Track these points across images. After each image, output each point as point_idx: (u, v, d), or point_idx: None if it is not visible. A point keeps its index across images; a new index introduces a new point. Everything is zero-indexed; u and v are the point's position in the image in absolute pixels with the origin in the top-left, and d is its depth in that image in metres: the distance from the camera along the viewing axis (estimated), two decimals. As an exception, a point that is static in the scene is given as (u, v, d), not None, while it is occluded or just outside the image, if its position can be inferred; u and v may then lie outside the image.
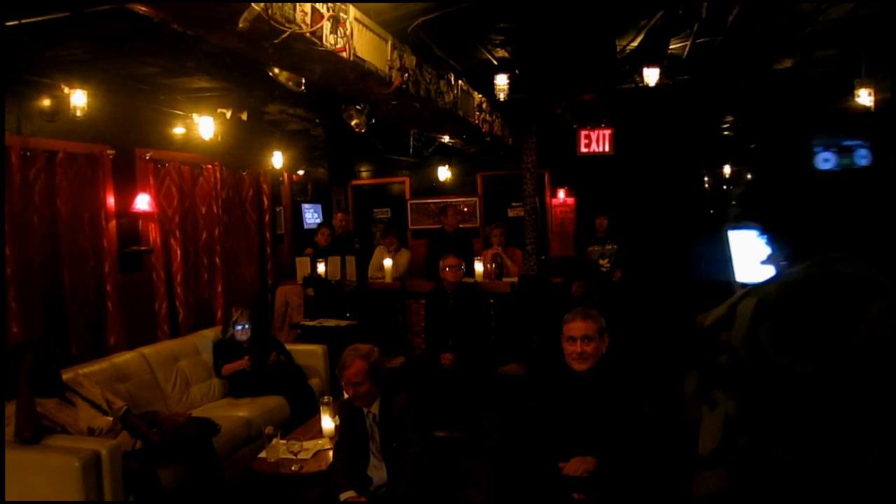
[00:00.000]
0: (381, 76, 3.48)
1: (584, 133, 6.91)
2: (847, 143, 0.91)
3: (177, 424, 3.85)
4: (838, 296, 0.90)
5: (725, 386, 0.91)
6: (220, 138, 5.51)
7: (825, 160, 0.94)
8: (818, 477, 0.88)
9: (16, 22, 2.91)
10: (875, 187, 0.97)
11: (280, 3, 2.42)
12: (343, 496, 2.90)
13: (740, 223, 1.15)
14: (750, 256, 1.20)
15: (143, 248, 5.10)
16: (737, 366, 0.90)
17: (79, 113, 4.16)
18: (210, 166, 5.79)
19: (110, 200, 4.77)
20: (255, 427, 4.30)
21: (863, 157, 0.92)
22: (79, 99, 4.15)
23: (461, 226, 8.40)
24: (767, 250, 1.08)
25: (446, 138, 6.24)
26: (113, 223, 4.81)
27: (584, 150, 6.96)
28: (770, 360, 0.87)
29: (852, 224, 0.96)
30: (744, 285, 1.17)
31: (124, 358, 4.41)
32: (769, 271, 1.07)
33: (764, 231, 1.05)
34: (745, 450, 0.90)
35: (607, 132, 6.88)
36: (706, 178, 13.35)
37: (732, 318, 0.95)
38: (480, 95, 5.57)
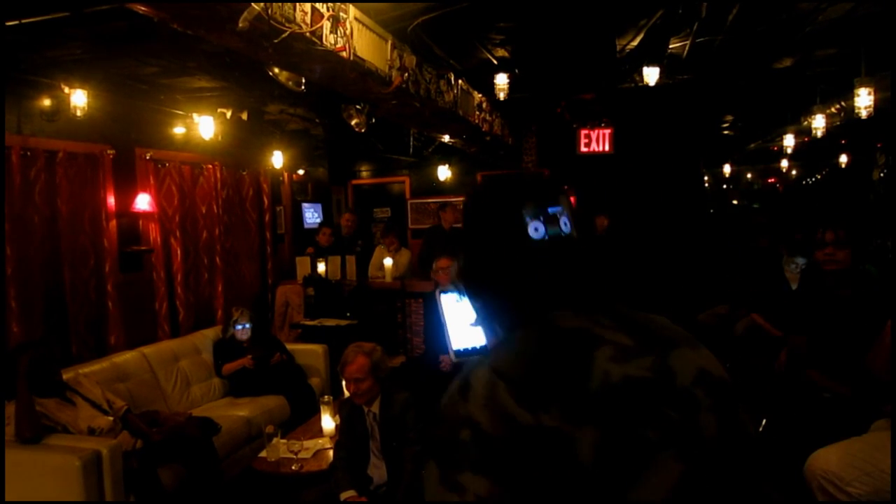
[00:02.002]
0: (380, 76, 3.48)
1: (584, 132, 6.91)
2: (552, 210, 0.90)
3: (177, 424, 3.85)
4: (564, 349, 0.86)
5: (472, 465, 0.80)
6: (220, 138, 5.52)
7: (535, 230, 0.94)
8: None
9: (16, 22, 2.91)
10: (582, 251, 1.01)
11: (280, 3, 2.42)
12: (343, 495, 2.90)
13: (452, 289, 1.12)
14: (459, 320, 1.23)
15: (143, 247, 5.11)
16: (481, 438, 0.81)
17: (79, 113, 4.17)
18: (210, 166, 5.80)
19: (111, 200, 4.78)
20: (255, 426, 4.31)
21: (566, 225, 0.91)
22: (79, 99, 4.15)
23: (460, 225, 8.41)
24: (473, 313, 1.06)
25: (446, 138, 6.24)
26: (113, 223, 4.81)
27: (584, 149, 6.96)
28: (514, 421, 0.80)
29: (565, 285, 0.97)
30: (458, 352, 1.18)
31: (125, 357, 4.41)
32: (480, 335, 1.05)
33: (476, 297, 1.03)
34: None
35: (607, 132, 6.89)
36: (706, 178, 13.37)
37: (467, 388, 0.87)
38: (480, 95, 5.58)
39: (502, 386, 0.83)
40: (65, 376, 3.61)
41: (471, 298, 1.04)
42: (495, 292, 1.00)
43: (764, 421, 3.99)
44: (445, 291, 1.22)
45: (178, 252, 5.39)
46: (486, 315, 1.02)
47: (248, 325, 5.01)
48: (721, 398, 0.87)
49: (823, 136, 6.42)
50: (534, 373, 0.84)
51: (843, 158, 11.06)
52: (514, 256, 0.98)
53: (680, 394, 0.84)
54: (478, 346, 1.13)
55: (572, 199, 9.48)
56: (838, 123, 6.31)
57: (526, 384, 0.83)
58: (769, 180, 19.03)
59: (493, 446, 0.80)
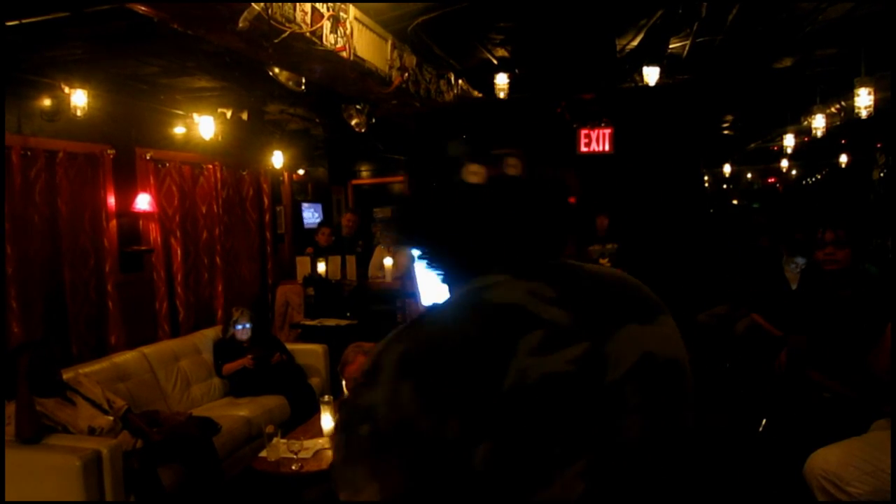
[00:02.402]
0: (380, 76, 3.48)
1: (584, 132, 6.91)
2: (498, 151, 0.75)
3: (177, 424, 3.85)
4: (488, 333, 0.75)
5: (367, 465, 0.73)
6: (220, 138, 5.52)
7: (473, 173, 0.78)
8: None
9: (16, 22, 2.91)
10: (531, 196, 0.86)
11: (280, 3, 2.43)
12: (343, 495, 2.89)
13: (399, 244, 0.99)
14: (431, 282, 1.04)
15: (143, 247, 5.11)
16: (378, 439, 0.73)
17: (79, 113, 4.17)
18: (210, 166, 5.80)
19: (111, 200, 4.78)
20: (255, 426, 4.31)
21: (513, 167, 0.76)
22: (79, 99, 4.15)
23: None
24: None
25: (446, 138, 6.23)
26: (113, 223, 4.81)
27: (584, 149, 6.96)
28: (412, 427, 0.71)
29: (504, 241, 0.83)
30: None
31: (125, 357, 4.41)
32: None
33: (420, 251, 0.90)
34: None
35: (607, 131, 6.89)
36: (706, 178, 13.37)
37: (377, 372, 0.76)
38: (480, 95, 5.58)
39: (408, 386, 0.73)
40: (65, 376, 3.61)
41: (418, 254, 0.92)
42: (430, 246, 0.88)
43: (764, 421, 3.99)
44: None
45: (179, 252, 5.40)
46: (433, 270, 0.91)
47: (248, 325, 5.01)
48: (655, 393, 0.78)
49: (823, 136, 6.42)
50: (444, 373, 0.74)
51: (843, 158, 11.06)
52: (446, 202, 0.86)
53: (604, 392, 0.75)
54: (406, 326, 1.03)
55: (572, 199, 9.49)
56: (838, 123, 6.32)
57: (433, 387, 0.73)
58: (769, 180, 19.03)
59: (388, 448, 0.73)
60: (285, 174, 7.26)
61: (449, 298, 0.86)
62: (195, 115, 5.33)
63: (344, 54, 2.98)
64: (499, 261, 0.84)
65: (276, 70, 3.76)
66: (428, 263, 0.90)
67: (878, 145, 9.72)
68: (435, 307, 0.86)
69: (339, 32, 2.91)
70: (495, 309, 0.78)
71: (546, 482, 0.72)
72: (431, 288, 1.08)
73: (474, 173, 0.85)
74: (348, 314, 6.00)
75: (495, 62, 4.83)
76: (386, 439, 0.73)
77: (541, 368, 0.73)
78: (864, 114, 4.88)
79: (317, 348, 5.41)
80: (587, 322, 0.78)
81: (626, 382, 0.77)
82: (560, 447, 0.73)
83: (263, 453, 3.45)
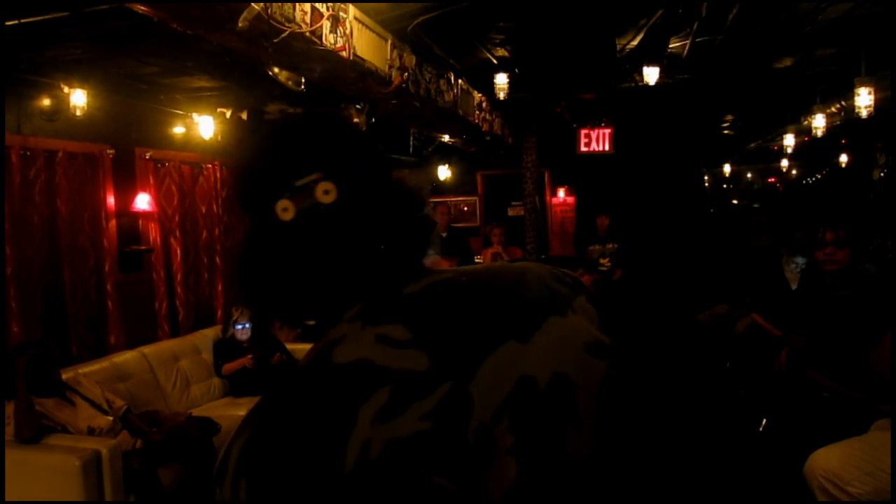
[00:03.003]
0: (380, 75, 3.48)
1: (583, 132, 6.92)
2: (301, 182, 0.67)
3: (177, 424, 3.85)
4: (325, 407, 0.66)
5: None
6: (219, 138, 5.51)
7: (283, 209, 0.70)
8: None
9: (16, 22, 2.91)
10: (355, 219, 0.76)
11: (280, 3, 2.42)
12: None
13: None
14: None
15: (143, 247, 5.10)
16: None
17: (79, 112, 4.16)
18: (210, 165, 5.79)
19: (110, 200, 4.77)
20: (255, 426, 4.30)
21: (326, 193, 0.66)
22: (78, 98, 4.15)
23: (460, 224, 8.41)
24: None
25: (446, 137, 6.24)
26: (113, 222, 4.81)
27: (584, 149, 6.97)
28: None
29: (341, 276, 0.75)
30: None
31: (124, 357, 4.41)
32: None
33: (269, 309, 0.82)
34: None
35: (607, 131, 6.89)
36: (706, 178, 13.37)
37: (223, 476, 0.69)
38: (480, 94, 5.58)
39: (244, 486, 0.66)
40: (64, 376, 3.61)
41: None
42: (260, 293, 0.80)
43: (764, 421, 3.99)
44: None
45: (178, 252, 5.39)
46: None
47: (248, 325, 5.01)
48: (532, 426, 0.67)
49: (823, 136, 6.43)
50: (278, 464, 0.65)
51: (844, 158, 11.06)
52: (264, 248, 0.78)
53: (470, 443, 0.65)
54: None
55: (572, 199, 9.47)
56: (838, 123, 6.31)
57: (268, 483, 0.65)
58: (769, 180, 19.04)
59: None
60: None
61: (300, 365, 0.75)
62: (195, 115, 5.33)
63: (343, 54, 2.98)
64: (343, 304, 0.74)
65: (276, 70, 3.75)
66: (285, 320, 0.81)
67: (879, 145, 9.72)
68: (284, 382, 0.76)
69: (338, 32, 2.91)
70: (337, 372, 0.69)
71: None
72: None
73: (284, 209, 0.76)
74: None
75: (495, 62, 4.83)
76: None
77: (387, 436, 0.63)
78: (864, 114, 4.88)
79: (317, 348, 5.40)
80: (450, 357, 0.68)
81: (497, 423, 0.65)
82: None
83: (263, 453, 3.46)
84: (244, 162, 0.83)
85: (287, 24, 2.48)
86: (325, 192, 0.75)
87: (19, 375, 3.32)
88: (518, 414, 0.66)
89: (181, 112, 5.31)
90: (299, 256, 0.76)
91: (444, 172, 8.93)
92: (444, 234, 6.73)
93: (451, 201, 9.12)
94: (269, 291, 0.79)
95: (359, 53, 3.14)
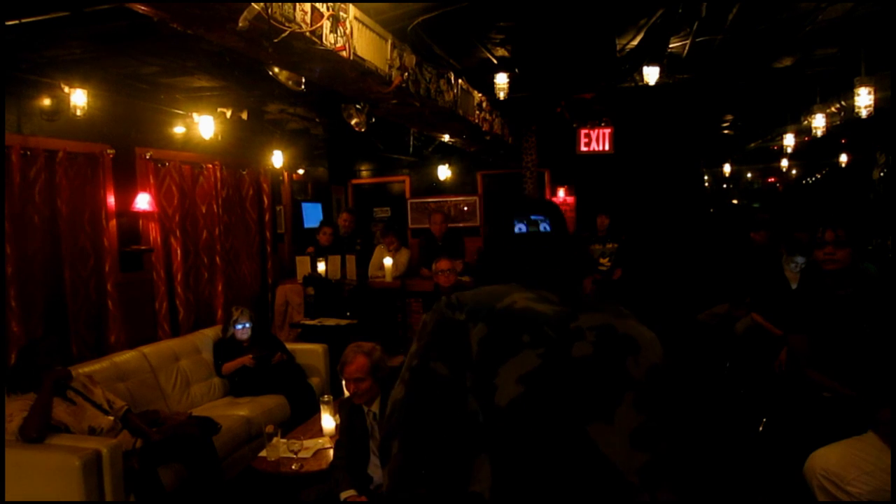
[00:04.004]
0: (380, 75, 3.48)
1: (583, 132, 6.92)
2: (534, 217, 1.12)
3: (177, 423, 3.85)
4: (498, 291, 1.30)
5: (419, 338, 1.27)
6: (220, 137, 5.52)
7: (519, 228, 1.14)
8: None
9: (16, 21, 2.91)
10: (549, 244, 1.40)
11: (280, 3, 2.42)
12: (343, 495, 2.90)
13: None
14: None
15: (143, 247, 5.11)
16: (425, 327, 1.27)
17: (79, 112, 4.17)
18: (210, 165, 5.80)
19: (110, 200, 4.78)
20: (255, 426, 4.31)
21: (544, 227, 1.12)
22: (79, 98, 4.15)
23: (460, 224, 8.41)
24: None
25: (446, 137, 6.24)
26: (113, 222, 4.81)
27: (583, 148, 6.96)
28: (452, 321, 1.23)
29: (526, 263, 1.38)
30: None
31: (125, 357, 4.41)
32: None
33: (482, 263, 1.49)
34: None
35: (607, 131, 6.89)
36: (706, 177, 13.37)
37: (431, 308, 1.32)
38: (480, 94, 5.57)
39: (444, 301, 1.26)
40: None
41: (479, 264, 1.49)
42: (489, 262, 1.44)
43: (764, 420, 3.99)
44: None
45: (178, 251, 5.39)
46: (482, 271, 1.46)
47: (248, 325, 5.01)
48: (607, 343, 1.20)
49: (823, 136, 6.42)
50: (466, 297, 1.25)
51: (843, 158, 11.06)
52: (503, 241, 1.42)
53: (568, 328, 1.20)
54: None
55: (572, 199, 9.46)
56: (838, 123, 6.31)
57: (457, 301, 1.25)
58: (769, 180, 19.04)
59: (430, 331, 1.23)
60: (285, 174, 7.26)
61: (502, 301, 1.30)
62: (195, 115, 5.33)
63: (344, 54, 2.98)
64: (519, 275, 1.35)
65: (276, 69, 3.75)
66: (481, 270, 1.45)
67: (878, 145, 9.72)
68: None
69: (338, 32, 2.91)
70: (508, 289, 1.28)
71: (515, 352, 1.16)
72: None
73: (520, 228, 1.41)
74: (348, 314, 5.99)
75: (495, 62, 4.83)
76: (434, 331, 1.24)
77: (527, 303, 1.24)
78: (864, 113, 4.88)
79: (317, 348, 5.41)
80: (571, 307, 1.25)
81: (588, 329, 1.21)
82: (528, 336, 1.18)
83: (263, 453, 3.46)
84: (510, 203, 1.48)
85: (287, 24, 2.48)
86: (545, 228, 1.41)
87: (49, 379, 3.35)
88: (601, 333, 1.22)
89: (181, 112, 5.32)
90: (514, 247, 1.41)
91: (444, 172, 8.93)
92: (440, 244, 6.74)
93: (450, 201, 9.13)
94: (495, 268, 1.43)
95: (359, 53, 3.14)
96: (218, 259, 5.82)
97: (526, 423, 1.11)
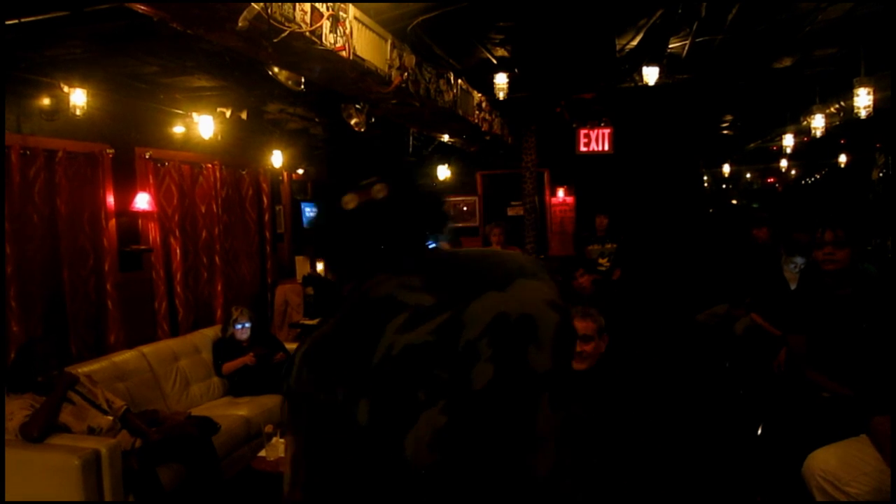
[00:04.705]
0: (380, 75, 3.48)
1: (583, 132, 6.92)
2: (364, 183, 0.96)
3: (177, 423, 3.85)
4: (363, 322, 1.02)
5: (290, 428, 1.04)
6: (219, 137, 5.51)
7: (348, 201, 0.97)
8: None
9: (15, 21, 2.91)
10: (394, 210, 1.13)
11: (279, 3, 2.42)
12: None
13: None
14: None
15: (142, 246, 5.11)
16: (293, 410, 1.02)
17: (78, 112, 4.16)
18: (210, 165, 5.79)
19: (110, 199, 4.77)
20: (254, 426, 4.31)
21: (379, 192, 0.93)
22: (78, 98, 4.15)
23: (460, 224, 8.42)
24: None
25: (446, 137, 6.24)
26: (113, 222, 4.81)
27: (583, 149, 6.97)
28: (314, 399, 0.99)
29: (377, 246, 1.12)
30: None
31: (124, 357, 4.41)
32: None
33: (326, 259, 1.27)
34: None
35: (607, 131, 6.90)
36: (706, 178, 13.37)
37: (290, 368, 1.04)
38: (480, 94, 5.57)
39: (305, 371, 1.01)
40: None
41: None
42: (328, 258, 1.21)
43: (763, 421, 3.99)
44: None
45: (178, 251, 5.39)
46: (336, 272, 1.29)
47: (247, 325, 5.01)
48: (504, 344, 1.00)
49: (823, 136, 6.43)
50: (329, 358, 1.01)
51: (843, 158, 11.07)
52: (331, 223, 1.16)
53: (459, 351, 0.98)
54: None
55: (571, 199, 9.43)
56: (838, 123, 6.32)
57: (323, 369, 1.00)
58: (768, 180, 19.06)
59: (299, 416, 1.02)
60: (284, 173, 7.25)
61: (347, 299, 1.10)
62: (194, 115, 5.33)
63: (343, 54, 2.98)
64: (381, 263, 1.10)
65: (276, 69, 3.75)
66: (335, 270, 1.23)
67: (878, 145, 9.73)
68: (338, 311, 1.09)
69: (338, 32, 2.91)
70: (370, 302, 1.04)
71: (413, 421, 0.95)
72: None
73: (349, 201, 1.12)
74: (348, 314, 5.99)
75: (495, 62, 4.83)
76: (296, 408, 1.01)
77: (404, 341, 0.97)
78: (863, 114, 4.88)
79: (316, 348, 5.40)
80: (449, 299, 1.01)
81: (481, 339, 0.98)
82: (424, 393, 0.95)
83: (263, 453, 3.46)
84: (330, 171, 1.24)
85: (287, 24, 2.48)
86: (379, 191, 1.12)
87: (63, 380, 3.35)
88: (495, 335, 0.99)
89: (181, 112, 5.31)
90: (357, 233, 1.13)
91: (443, 172, 8.93)
92: None
93: (450, 201, 9.13)
94: (332, 254, 1.22)
95: (359, 53, 3.14)
96: (217, 259, 5.82)
97: (452, 486, 0.96)
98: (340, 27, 2.92)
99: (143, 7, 2.28)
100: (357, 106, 4.84)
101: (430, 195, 1.22)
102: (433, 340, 0.97)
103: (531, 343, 1.01)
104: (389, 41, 3.55)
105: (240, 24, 2.29)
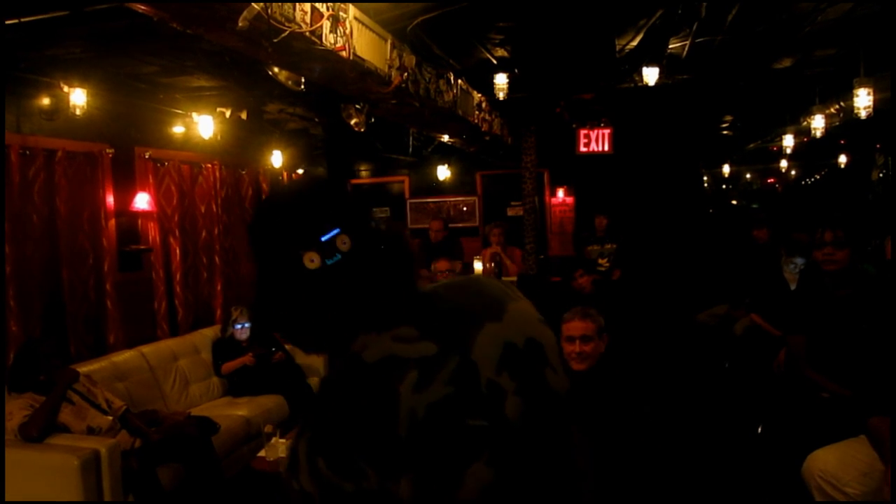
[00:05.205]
0: (380, 75, 3.48)
1: (583, 132, 6.92)
2: (326, 237, 0.78)
3: (176, 423, 3.85)
4: (371, 393, 0.88)
5: None
6: (219, 137, 5.51)
7: (311, 261, 0.81)
8: None
9: (15, 21, 2.91)
10: (367, 265, 0.98)
11: (279, 3, 2.42)
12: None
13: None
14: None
15: (142, 246, 5.10)
16: None
17: (78, 112, 4.16)
18: (209, 165, 5.79)
19: (110, 199, 4.77)
20: (254, 426, 4.31)
21: (344, 244, 0.78)
22: (78, 98, 4.15)
23: (459, 225, 8.41)
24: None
25: (446, 137, 6.24)
26: (112, 222, 4.81)
27: (583, 149, 6.96)
28: (341, 491, 0.84)
29: (355, 309, 0.96)
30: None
31: (123, 357, 4.41)
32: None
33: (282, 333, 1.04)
34: None
35: (606, 131, 6.89)
36: (705, 178, 13.37)
37: (296, 464, 0.89)
38: (480, 94, 5.57)
39: (321, 461, 0.85)
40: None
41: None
42: (290, 328, 1.00)
43: (763, 421, 3.99)
44: None
45: (178, 251, 5.39)
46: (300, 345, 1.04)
47: (247, 325, 5.01)
48: (524, 373, 0.94)
49: (822, 137, 6.43)
50: (347, 439, 0.85)
51: (843, 159, 11.07)
52: (294, 292, 0.97)
53: (484, 393, 0.89)
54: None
55: (571, 199, 9.43)
56: (837, 124, 6.32)
57: (341, 456, 0.84)
58: (768, 180, 19.06)
59: None
60: (284, 174, 7.25)
61: (334, 371, 0.95)
62: (194, 115, 5.32)
63: (343, 54, 2.98)
64: (362, 323, 0.95)
65: (276, 69, 3.75)
66: (299, 344, 1.03)
67: (878, 146, 9.73)
68: (325, 386, 0.95)
69: (338, 32, 2.91)
70: (371, 369, 0.89)
71: (460, 482, 0.85)
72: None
73: (311, 260, 0.95)
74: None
75: (495, 62, 4.83)
76: None
77: (425, 401, 0.85)
78: (863, 114, 4.88)
79: (316, 348, 5.40)
80: (451, 340, 0.91)
81: (500, 375, 0.91)
82: (463, 448, 0.86)
83: (262, 453, 3.46)
84: (269, 222, 1.02)
85: (287, 24, 2.48)
86: (343, 243, 0.96)
87: (63, 378, 3.35)
88: (512, 367, 0.92)
89: (181, 111, 5.31)
90: (324, 295, 0.96)
91: (443, 172, 8.93)
92: (437, 247, 6.75)
93: (450, 201, 9.12)
94: (296, 325, 1.00)
95: (358, 53, 3.14)
96: (217, 259, 5.82)
97: None
98: (340, 27, 2.92)
99: (143, 7, 2.28)
100: (357, 106, 4.84)
101: (394, 235, 1.05)
102: (453, 392, 0.87)
103: (545, 366, 0.98)
104: (389, 41, 3.55)
105: (240, 24, 2.29)
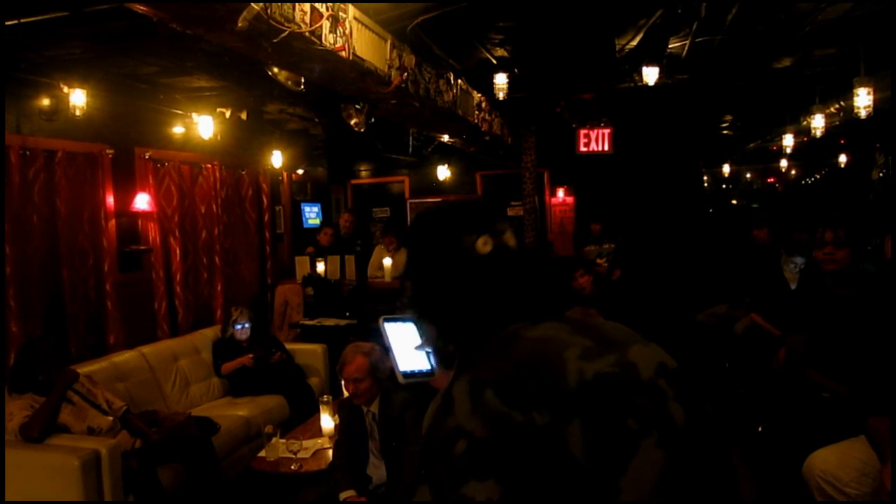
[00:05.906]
0: (380, 75, 3.48)
1: (583, 132, 6.91)
2: (501, 227, 0.87)
3: (176, 424, 3.85)
4: (537, 353, 0.90)
5: (474, 473, 0.81)
6: (219, 137, 5.51)
7: (484, 243, 0.87)
8: None
9: (15, 21, 2.91)
10: (528, 261, 1.03)
11: (279, 3, 2.42)
12: (342, 495, 2.90)
13: (397, 315, 1.15)
14: (405, 345, 1.19)
15: (142, 247, 5.11)
16: (477, 445, 0.81)
17: (78, 112, 4.16)
18: (209, 165, 5.79)
19: (110, 200, 4.77)
20: (254, 426, 4.31)
21: (511, 238, 0.88)
22: (78, 98, 4.15)
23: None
24: (418, 337, 1.10)
25: (446, 137, 6.24)
26: (112, 222, 4.81)
27: (583, 149, 6.96)
28: (508, 422, 0.81)
29: (517, 296, 0.99)
30: (405, 374, 1.11)
31: (124, 357, 4.41)
32: (423, 357, 1.11)
33: (420, 318, 1.06)
34: None
35: (606, 131, 6.89)
36: (705, 178, 13.37)
37: (451, 402, 0.87)
38: (480, 94, 5.57)
39: (490, 391, 0.84)
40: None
41: (422, 323, 1.06)
42: (452, 311, 1.01)
43: (763, 421, 3.99)
44: (389, 320, 1.18)
45: (178, 252, 5.39)
46: (441, 336, 1.03)
47: (247, 325, 5.01)
48: (682, 388, 0.92)
49: (822, 136, 6.43)
50: (518, 375, 0.86)
51: (843, 158, 11.07)
52: (466, 272, 1.00)
53: (647, 385, 0.88)
54: (424, 370, 1.12)
55: (571, 199, 9.44)
56: (837, 123, 6.32)
57: (512, 386, 0.84)
58: (768, 180, 19.06)
59: (491, 449, 0.80)
60: (284, 174, 7.26)
61: (480, 347, 0.95)
62: (194, 115, 5.33)
63: (343, 54, 2.98)
64: (520, 310, 0.98)
65: (276, 69, 3.75)
66: (438, 335, 1.03)
67: (878, 145, 9.73)
68: (470, 356, 0.95)
69: (338, 32, 2.91)
70: (535, 340, 0.92)
71: (632, 452, 0.82)
72: (408, 356, 1.18)
73: (485, 244, 1.00)
74: (347, 314, 5.99)
75: (494, 62, 4.83)
76: (486, 441, 0.81)
77: (593, 368, 0.86)
78: (863, 114, 4.88)
79: (316, 348, 5.41)
80: (604, 343, 0.91)
81: (658, 379, 0.89)
82: (635, 421, 0.83)
83: (262, 453, 3.46)
84: (445, 213, 1.09)
85: (286, 24, 2.48)
86: (510, 238, 1.02)
87: (63, 378, 3.36)
88: (669, 377, 0.91)
89: (181, 112, 5.31)
90: (491, 279, 0.99)
91: (443, 172, 8.93)
92: None
93: (450, 201, 9.12)
94: (456, 311, 1.01)
95: (358, 53, 3.14)
96: (217, 259, 5.82)
97: None
98: (340, 27, 2.92)
99: (142, 7, 2.28)
100: (357, 106, 4.84)
101: (545, 244, 1.18)
102: (619, 372, 0.87)
103: (697, 392, 0.95)
104: (389, 41, 3.55)
105: (239, 25, 2.29)
